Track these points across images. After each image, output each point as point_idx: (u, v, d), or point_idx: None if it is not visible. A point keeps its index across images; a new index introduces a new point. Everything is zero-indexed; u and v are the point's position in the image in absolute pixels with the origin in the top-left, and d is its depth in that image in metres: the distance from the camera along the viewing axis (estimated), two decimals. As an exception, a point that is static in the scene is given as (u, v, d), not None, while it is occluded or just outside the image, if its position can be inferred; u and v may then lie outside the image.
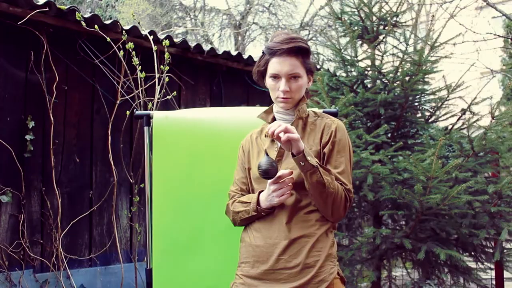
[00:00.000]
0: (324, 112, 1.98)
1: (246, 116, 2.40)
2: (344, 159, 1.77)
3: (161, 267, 2.33)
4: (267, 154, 1.69)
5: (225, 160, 2.27)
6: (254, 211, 1.78)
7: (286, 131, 1.61)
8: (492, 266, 4.21)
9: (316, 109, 2.01)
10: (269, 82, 1.82)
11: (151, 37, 3.75)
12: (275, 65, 1.77)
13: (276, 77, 1.79)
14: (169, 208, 2.37)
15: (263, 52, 1.83)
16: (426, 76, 3.85)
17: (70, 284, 3.61)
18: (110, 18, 4.23)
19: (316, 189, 1.66)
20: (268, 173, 1.67)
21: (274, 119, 1.89)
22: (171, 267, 2.35)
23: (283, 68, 1.76)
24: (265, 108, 1.98)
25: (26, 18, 3.35)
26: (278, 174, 1.70)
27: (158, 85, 3.59)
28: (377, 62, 4.02)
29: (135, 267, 3.80)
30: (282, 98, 1.79)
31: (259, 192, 1.79)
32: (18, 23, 3.37)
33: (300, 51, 1.77)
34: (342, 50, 4.03)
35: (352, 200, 1.78)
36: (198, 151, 2.35)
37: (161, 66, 3.53)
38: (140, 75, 3.53)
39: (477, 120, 3.69)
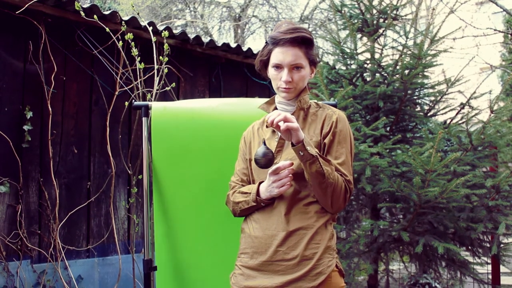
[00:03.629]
0: None
1: (245, 107, 2.39)
2: (345, 150, 1.77)
3: (162, 259, 2.35)
4: (264, 144, 1.69)
5: (224, 150, 2.27)
6: (253, 202, 1.78)
7: (285, 120, 1.60)
8: (489, 261, 4.23)
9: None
10: (271, 72, 1.81)
11: (150, 28, 3.74)
12: (277, 55, 1.76)
13: (278, 67, 1.78)
14: (169, 199, 2.38)
15: (266, 42, 1.83)
16: (426, 69, 3.85)
17: (68, 275, 3.61)
18: (109, 9, 4.21)
19: (315, 180, 1.65)
20: (261, 162, 1.67)
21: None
22: (173, 258, 2.36)
23: (286, 58, 1.75)
24: (266, 99, 1.97)
25: (24, 7, 3.32)
26: (279, 164, 1.69)
27: (157, 76, 3.58)
28: (377, 55, 4.01)
29: (133, 258, 3.80)
30: (284, 88, 1.79)
31: (259, 183, 1.79)
32: (16, 12, 3.35)
33: (303, 42, 1.76)
34: (342, 43, 4.02)
35: (352, 192, 1.77)
36: (197, 142, 2.35)
37: (160, 58, 3.52)
38: (139, 66, 3.51)
39: (476, 114, 3.69)
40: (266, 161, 1.67)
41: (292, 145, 1.64)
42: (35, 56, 3.55)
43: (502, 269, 4.75)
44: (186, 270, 2.39)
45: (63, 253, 3.60)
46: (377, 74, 3.99)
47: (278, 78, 1.79)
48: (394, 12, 4.02)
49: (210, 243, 2.38)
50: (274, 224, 1.75)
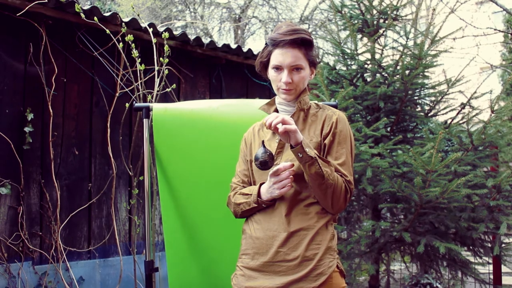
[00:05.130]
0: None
1: (246, 108, 2.40)
2: (345, 150, 1.77)
3: (172, 262, 2.40)
4: (263, 145, 1.69)
5: (225, 151, 2.28)
6: (254, 203, 1.78)
7: (283, 122, 1.60)
8: (490, 261, 4.22)
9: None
10: (271, 73, 1.81)
11: (150, 30, 3.74)
12: (277, 56, 1.77)
13: (278, 68, 1.78)
14: (173, 200, 2.39)
15: (266, 43, 1.83)
16: (426, 70, 3.84)
17: (69, 276, 3.62)
18: (110, 11, 4.21)
19: (315, 181, 1.65)
20: (261, 164, 1.67)
21: (276, 111, 1.88)
22: (180, 260, 2.40)
23: (286, 59, 1.75)
24: (267, 100, 1.97)
25: (25, 9, 3.33)
26: (279, 166, 1.70)
27: (158, 77, 3.58)
28: (377, 56, 4.01)
29: (134, 260, 3.80)
30: (284, 89, 1.79)
31: (260, 184, 1.79)
32: (17, 14, 3.36)
33: (303, 43, 1.77)
34: (342, 44, 4.02)
35: (353, 192, 1.77)
36: (198, 143, 2.36)
37: (161, 59, 3.52)
38: (140, 67, 3.52)
39: (477, 114, 3.69)
40: (266, 162, 1.67)
41: (291, 147, 1.64)
42: (35, 58, 3.55)
43: (504, 269, 4.75)
44: (189, 270, 2.40)
45: (64, 254, 3.60)
46: (378, 75, 3.99)
47: (278, 79, 1.79)
48: (394, 12, 4.02)
49: (211, 244, 2.38)
50: (275, 225, 1.75)
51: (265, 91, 4.96)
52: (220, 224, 2.32)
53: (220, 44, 4.59)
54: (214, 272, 2.37)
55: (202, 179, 2.36)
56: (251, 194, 1.80)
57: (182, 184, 2.38)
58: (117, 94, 3.95)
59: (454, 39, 4.46)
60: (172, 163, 2.37)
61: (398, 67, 3.83)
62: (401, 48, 3.92)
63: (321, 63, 4.11)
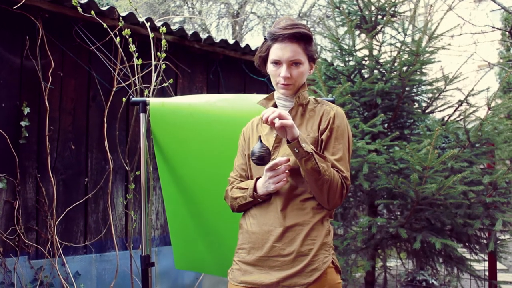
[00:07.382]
0: None
1: (243, 102, 2.40)
2: (342, 146, 1.76)
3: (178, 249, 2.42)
4: (260, 140, 1.69)
5: (222, 145, 2.28)
6: (250, 197, 1.78)
7: (280, 117, 1.60)
8: (486, 257, 4.24)
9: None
10: (270, 68, 1.81)
11: (148, 24, 3.72)
12: (276, 51, 1.76)
13: (277, 63, 1.78)
14: (171, 194, 2.39)
15: (265, 38, 1.82)
16: (424, 66, 3.85)
17: (65, 271, 3.61)
18: (107, 5, 4.20)
19: (311, 176, 1.65)
20: (257, 159, 1.67)
21: (275, 106, 1.88)
22: (185, 251, 2.43)
23: (285, 54, 1.75)
24: (266, 94, 1.97)
25: (21, 2, 3.31)
26: (275, 161, 1.69)
27: (155, 72, 3.57)
28: (375, 52, 4.01)
29: (130, 255, 3.80)
30: (283, 84, 1.79)
31: (257, 179, 1.79)
32: (13, 7, 3.34)
33: (302, 38, 1.76)
34: (340, 40, 4.01)
35: (349, 188, 1.77)
36: (195, 137, 2.35)
37: (158, 54, 3.51)
38: (137, 62, 3.50)
39: (474, 111, 3.70)
40: (262, 157, 1.67)
41: (288, 141, 1.64)
42: (32, 52, 3.53)
43: (499, 265, 4.77)
44: (194, 247, 2.44)
45: (60, 249, 3.59)
46: (375, 71, 3.99)
47: (277, 74, 1.79)
48: (393, 9, 4.02)
49: (209, 239, 2.38)
50: (271, 219, 1.75)
51: (263, 86, 4.95)
52: (218, 218, 2.32)
53: (217, 40, 4.57)
54: (217, 253, 2.39)
55: (200, 173, 2.36)
56: (247, 189, 1.80)
57: (181, 178, 2.38)
58: (114, 89, 3.93)
59: (452, 36, 4.46)
60: (170, 157, 2.37)
61: (396, 64, 3.83)
62: (399, 45, 3.92)
63: (319, 59, 4.11)
